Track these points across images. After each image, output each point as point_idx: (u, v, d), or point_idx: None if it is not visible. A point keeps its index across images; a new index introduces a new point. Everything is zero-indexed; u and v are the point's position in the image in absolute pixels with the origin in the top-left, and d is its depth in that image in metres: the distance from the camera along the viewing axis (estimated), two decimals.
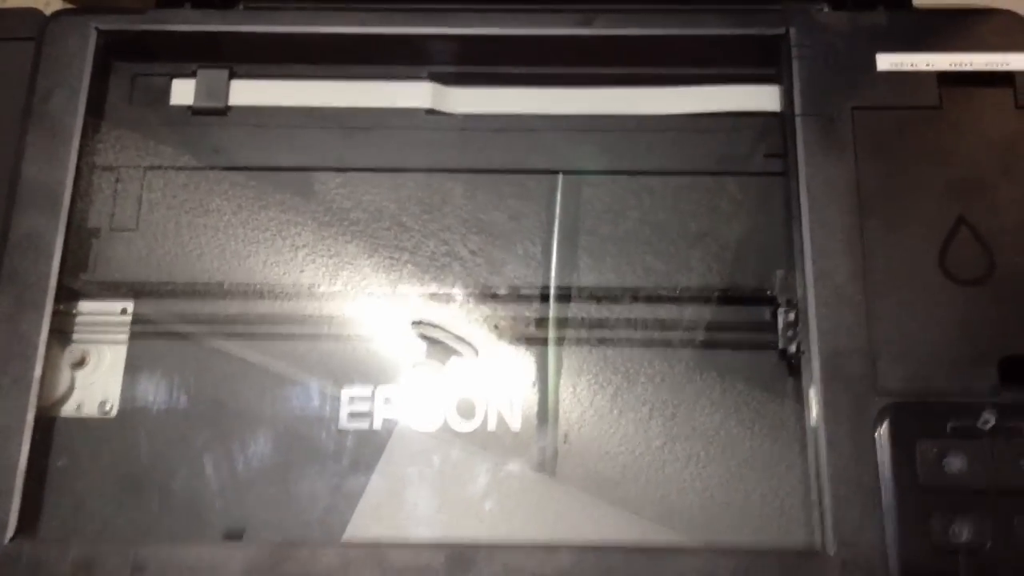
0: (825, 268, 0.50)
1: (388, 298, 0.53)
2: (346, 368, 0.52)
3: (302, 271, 0.54)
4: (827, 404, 0.48)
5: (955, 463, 0.46)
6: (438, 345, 0.53)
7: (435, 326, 0.53)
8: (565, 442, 0.51)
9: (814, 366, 0.48)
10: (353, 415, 0.51)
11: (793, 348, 0.50)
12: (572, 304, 0.53)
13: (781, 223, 0.53)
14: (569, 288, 0.53)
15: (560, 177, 0.55)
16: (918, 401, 0.47)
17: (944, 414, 0.47)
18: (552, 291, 0.53)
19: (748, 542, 0.48)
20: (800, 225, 0.51)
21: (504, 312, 0.53)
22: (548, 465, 0.50)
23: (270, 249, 0.55)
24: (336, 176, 0.56)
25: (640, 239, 0.54)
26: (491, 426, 0.51)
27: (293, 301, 0.53)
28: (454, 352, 0.52)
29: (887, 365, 0.48)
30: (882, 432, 0.47)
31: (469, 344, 0.53)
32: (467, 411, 0.51)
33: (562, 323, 0.53)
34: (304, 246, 0.55)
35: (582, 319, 0.53)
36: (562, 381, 0.52)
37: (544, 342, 0.53)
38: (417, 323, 0.53)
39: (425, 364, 0.52)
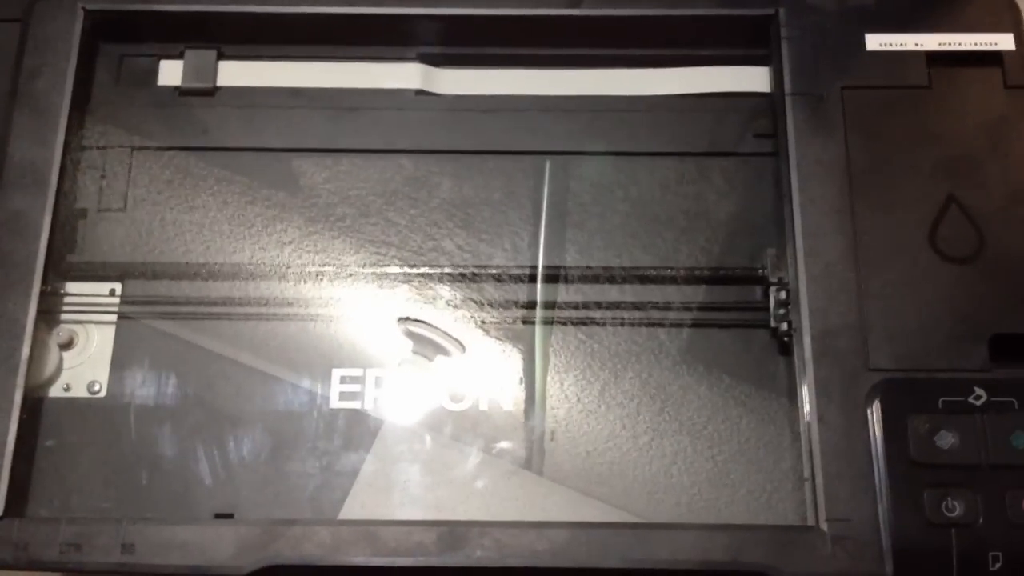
0: (816, 246, 0.50)
1: (375, 280, 0.53)
2: (336, 349, 0.52)
3: (291, 252, 0.54)
4: (819, 381, 0.48)
5: (947, 439, 0.46)
6: (425, 341, 0.52)
7: (421, 322, 0.53)
8: (552, 438, 0.51)
9: (806, 344, 0.48)
10: (344, 396, 0.51)
11: (785, 326, 0.50)
12: (561, 286, 0.53)
13: (772, 203, 0.53)
14: (558, 269, 0.53)
15: (549, 158, 0.55)
16: (909, 377, 0.47)
17: (935, 390, 0.47)
18: (540, 273, 0.53)
19: (741, 519, 0.48)
20: (791, 204, 0.51)
21: (492, 295, 0.53)
22: (537, 449, 0.50)
23: (259, 230, 0.54)
24: (325, 157, 0.56)
25: (630, 220, 0.54)
26: (483, 407, 0.51)
27: (281, 282, 0.53)
28: (441, 349, 0.52)
29: (878, 342, 0.48)
30: (874, 408, 0.47)
31: (456, 340, 0.52)
32: (457, 395, 0.51)
33: (551, 305, 0.53)
34: (293, 227, 0.54)
35: (574, 301, 0.53)
36: (553, 360, 0.52)
37: (532, 323, 0.52)
38: (403, 319, 0.53)
39: (412, 361, 0.52)
